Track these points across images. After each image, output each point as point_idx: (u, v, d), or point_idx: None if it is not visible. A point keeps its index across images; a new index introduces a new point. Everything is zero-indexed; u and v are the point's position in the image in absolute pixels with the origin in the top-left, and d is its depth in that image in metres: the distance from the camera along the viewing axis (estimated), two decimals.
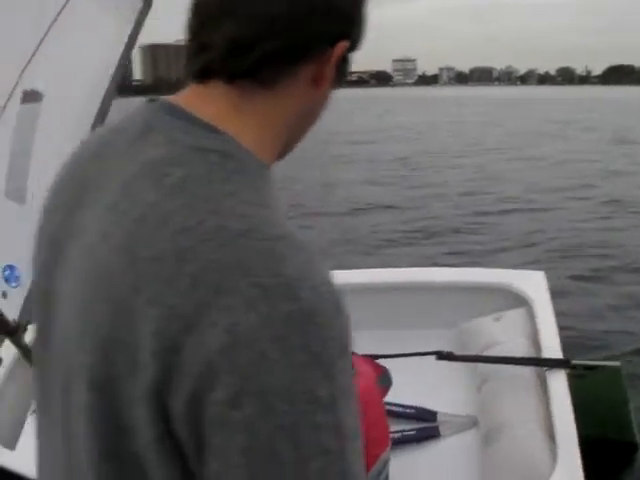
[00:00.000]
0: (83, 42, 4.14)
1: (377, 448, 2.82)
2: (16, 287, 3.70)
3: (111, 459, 0.81)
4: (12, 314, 3.62)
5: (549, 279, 4.19)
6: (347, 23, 0.91)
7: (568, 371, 3.26)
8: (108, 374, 0.80)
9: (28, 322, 3.74)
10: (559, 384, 3.22)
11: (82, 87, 4.18)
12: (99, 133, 1.03)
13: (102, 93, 4.23)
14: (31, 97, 3.99)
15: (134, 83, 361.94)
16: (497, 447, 3.16)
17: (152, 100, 0.96)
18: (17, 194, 3.83)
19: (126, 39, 4.41)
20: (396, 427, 3.45)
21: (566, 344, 3.64)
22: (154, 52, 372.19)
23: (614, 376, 3.63)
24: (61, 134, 4.17)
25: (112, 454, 0.81)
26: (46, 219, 1.02)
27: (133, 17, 4.48)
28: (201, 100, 0.91)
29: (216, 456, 0.74)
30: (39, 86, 3.94)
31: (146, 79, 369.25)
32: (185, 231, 0.78)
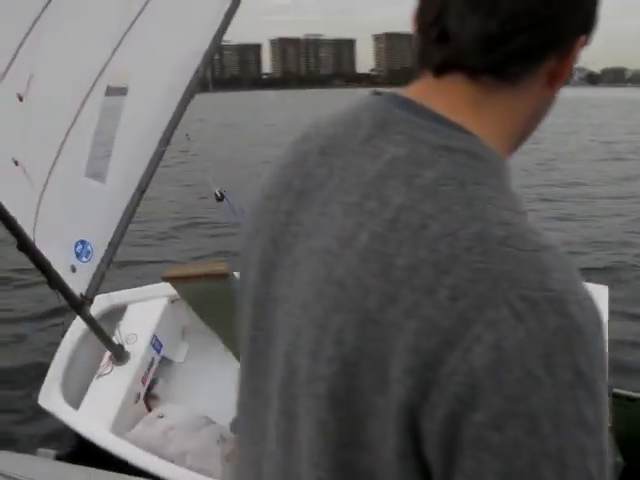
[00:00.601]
0: (176, 21, 4.25)
1: None
2: (86, 262, 3.87)
3: (341, 474, 0.77)
4: (80, 288, 3.79)
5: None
6: (590, 16, 0.85)
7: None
8: (349, 388, 0.75)
9: (93, 296, 3.94)
10: None
11: (166, 77, 4.29)
12: (320, 126, 0.91)
13: (185, 85, 4.37)
14: (116, 89, 4.16)
15: (263, 76, 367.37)
16: None
17: (377, 93, 0.88)
18: (99, 173, 4.02)
19: (215, 28, 4.54)
20: None
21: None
22: (283, 46, 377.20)
23: None
24: (148, 116, 4.34)
25: (343, 469, 0.77)
26: (261, 215, 0.91)
27: (223, 10, 4.61)
28: (437, 94, 0.84)
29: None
30: (126, 72, 4.10)
31: (275, 72, 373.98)
32: (445, 238, 0.72)
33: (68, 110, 3.81)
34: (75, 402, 4.04)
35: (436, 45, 0.82)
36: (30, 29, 3.55)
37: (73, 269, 3.75)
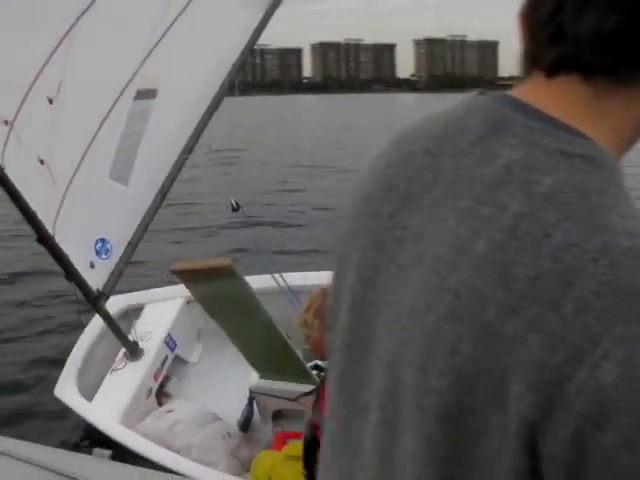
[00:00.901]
0: (206, 33, 4.43)
1: None
2: (105, 259, 4.06)
3: None
4: (97, 284, 3.97)
5: None
6: None
7: None
8: (461, 402, 0.72)
9: (110, 293, 4.12)
10: None
11: (194, 88, 4.47)
12: (425, 127, 0.87)
13: (212, 96, 4.55)
14: (146, 92, 4.36)
15: (304, 80, 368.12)
16: None
17: (482, 93, 0.86)
18: (122, 176, 4.21)
19: (248, 38, 4.73)
20: None
21: None
22: (324, 50, 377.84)
23: None
24: (174, 124, 4.53)
25: None
26: (360, 216, 0.87)
27: (260, 11, 4.79)
28: (549, 96, 0.80)
29: None
30: (155, 80, 4.30)
31: (315, 76, 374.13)
32: (569, 248, 0.69)
33: (96, 114, 4.01)
34: (89, 395, 4.21)
35: (549, 44, 0.80)
36: (64, 36, 3.78)
37: (92, 265, 3.94)
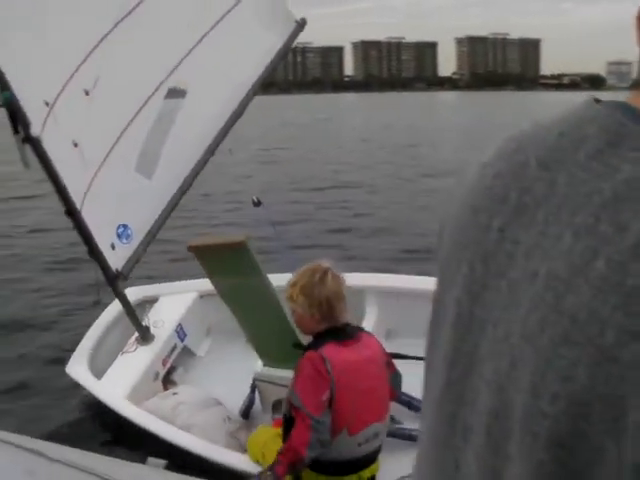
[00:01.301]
0: (234, 48, 4.79)
1: (370, 416, 3.12)
2: (126, 244, 4.32)
3: None
4: (116, 264, 4.23)
5: None
6: None
7: None
8: (575, 430, 0.70)
9: (128, 274, 4.37)
10: None
11: (225, 88, 4.77)
12: (538, 136, 0.83)
13: (242, 96, 4.87)
14: (175, 94, 4.69)
15: (345, 79, 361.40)
16: None
17: (597, 101, 0.81)
18: (146, 171, 4.50)
19: (271, 58, 5.09)
20: None
21: None
22: (366, 49, 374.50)
23: None
24: (201, 127, 4.84)
25: None
26: (466, 228, 0.84)
27: (284, 36, 5.16)
28: None
29: None
30: (184, 84, 4.64)
31: (357, 75, 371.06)
32: None
33: (127, 111, 4.34)
34: (99, 374, 4.42)
35: None
36: (106, 35, 4.14)
37: (113, 247, 4.21)
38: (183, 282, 5.06)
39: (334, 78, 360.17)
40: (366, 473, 3.20)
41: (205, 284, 4.71)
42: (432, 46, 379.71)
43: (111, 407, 4.10)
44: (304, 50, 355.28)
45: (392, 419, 3.69)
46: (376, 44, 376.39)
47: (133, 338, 4.57)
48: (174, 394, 4.32)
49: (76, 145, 3.96)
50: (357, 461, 3.14)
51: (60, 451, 2.56)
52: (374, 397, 3.10)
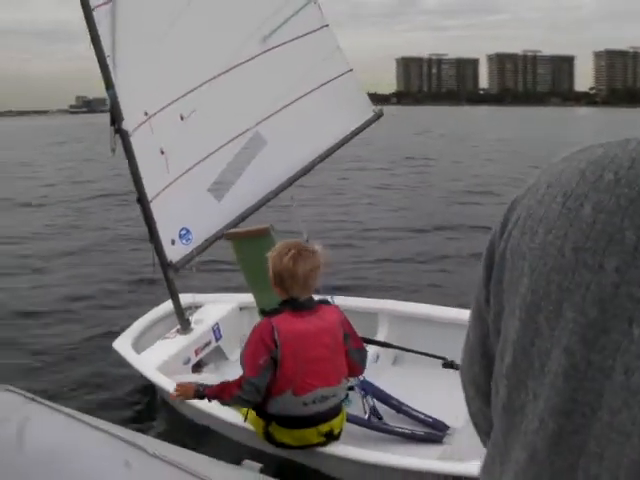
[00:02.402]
0: (317, 118, 5.68)
1: (317, 380, 3.61)
2: (184, 244, 5.20)
3: None
4: (171, 257, 5.10)
5: None
6: None
7: None
8: None
9: (180, 267, 5.20)
10: None
11: (298, 149, 5.63)
12: (615, 169, 0.75)
13: (311, 159, 5.72)
14: (257, 141, 5.66)
15: (480, 92, 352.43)
16: None
17: None
18: (218, 194, 5.43)
19: (344, 135, 6.00)
20: (410, 426, 4.29)
21: None
22: (501, 61, 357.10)
23: None
24: (271, 173, 5.75)
25: None
26: (571, 267, 0.76)
27: (361, 120, 6.06)
28: None
29: None
30: (267, 135, 5.61)
31: (491, 88, 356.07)
32: None
33: (212, 143, 5.35)
34: (140, 351, 5.18)
35: None
36: (210, 79, 5.22)
37: (172, 242, 5.11)
38: (228, 294, 5.85)
39: (468, 90, 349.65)
40: (324, 427, 3.71)
41: (246, 298, 5.49)
42: (569, 60, 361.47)
43: (143, 373, 4.81)
44: (439, 61, 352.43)
45: (378, 417, 4.25)
46: (512, 57, 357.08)
47: (175, 329, 5.34)
48: (199, 375, 4.99)
49: (162, 152, 4.97)
50: (310, 417, 3.69)
51: (159, 446, 2.56)
52: (323, 364, 3.63)
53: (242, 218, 5.47)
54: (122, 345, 5.22)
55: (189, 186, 5.19)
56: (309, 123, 5.78)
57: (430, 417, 4.35)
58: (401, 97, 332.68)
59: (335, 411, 3.77)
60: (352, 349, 3.79)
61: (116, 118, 4.74)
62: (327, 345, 3.65)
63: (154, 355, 5.05)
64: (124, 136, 4.75)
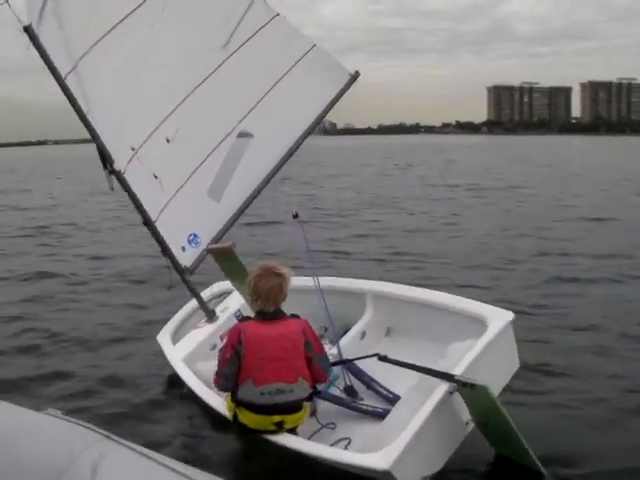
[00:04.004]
0: (293, 99, 6.16)
1: (273, 376, 4.36)
2: (194, 248, 5.96)
3: None
4: (185, 262, 5.87)
5: None
6: None
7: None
8: None
9: (194, 269, 5.99)
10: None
11: (284, 132, 6.19)
12: None
13: (294, 139, 6.25)
14: (244, 135, 6.22)
15: (572, 121, 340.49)
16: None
17: None
18: (216, 195, 6.10)
19: (324, 105, 6.45)
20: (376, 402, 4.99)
21: None
22: (594, 90, 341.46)
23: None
24: (262, 162, 6.34)
25: None
26: None
27: (339, 87, 6.48)
28: None
29: None
30: (251, 129, 6.16)
31: (584, 117, 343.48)
32: None
33: (201, 153, 5.96)
34: (176, 342, 6.05)
35: None
36: (186, 97, 5.80)
37: (183, 249, 5.87)
38: None
39: (560, 119, 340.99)
40: (276, 418, 4.45)
41: None
42: None
43: (171, 363, 5.70)
44: (531, 90, 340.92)
45: (356, 396, 5.01)
46: (605, 85, 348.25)
47: (204, 319, 6.18)
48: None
49: (156, 177, 5.67)
50: (267, 406, 4.45)
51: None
52: (280, 363, 4.40)
53: (241, 211, 6.14)
54: (163, 338, 6.13)
55: (188, 197, 5.87)
56: (287, 106, 6.25)
57: (392, 393, 4.99)
58: (492, 126, 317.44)
59: (291, 407, 4.47)
60: (316, 354, 4.53)
61: (107, 161, 5.44)
62: (285, 348, 4.41)
63: (186, 344, 5.87)
64: (118, 175, 5.46)
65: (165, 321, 6.57)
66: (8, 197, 27.79)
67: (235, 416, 4.63)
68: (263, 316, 4.53)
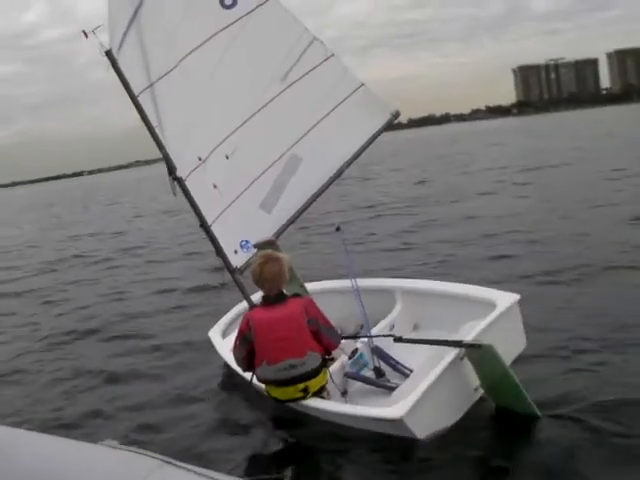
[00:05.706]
0: (340, 130, 6.94)
1: (284, 354, 5.00)
2: (245, 252, 6.69)
3: None
4: (236, 263, 6.60)
5: None
6: None
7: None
8: None
9: (244, 270, 6.70)
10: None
11: (329, 159, 6.94)
12: None
13: (339, 165, 7.01)
14: (294, 160, 7.02)
15: (602, 92, 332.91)
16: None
17: None
18: (268, 208, 6.86)
19: (365, 140, 7.24)
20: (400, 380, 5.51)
21: None
22: (621, 58, 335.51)
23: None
24: (309, 181, 7.09)
25: None
26: None
27: (380, 124, 7.28)
28: None
29: None
30: (301, 154, 6.96)
31: (614, 86, 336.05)
32: None
33: (256, 170, 6.79)
34: (225, 337, 6.76)
35: None
36: (245, 121, 6.67)
37: (235, 252, 6.62)
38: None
39: (590, 92, 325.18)
40: (301, 385, 5.09)
41: (314, 286, 6.96)
42: None
43: (219, 352, 6.38)
44: (557, 66, 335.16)
45: (383, 376, 5.56)
46: (633, 52, 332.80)
47: None
48: None
49: (215, 187, 6.49)
50: (285, 380, 5.12)
51: None
52: (288, 342, 5.04)
53: (290, 222, 6.89)
54: (213, 334, 6.84)
55: (242, 208, 6.66)
56: (335, 136, 7.06)
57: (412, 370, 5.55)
58: (522, 107, 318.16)
59: (310, 374, 5.08)
60: (322, 326, 5.16)
61: (171, 169, 6.29)
62: (290, 327, 5.05)
63: (232, 339, 6.56)
64: (180, 181, 6.30)
65: None
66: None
67: (268, 392, 5.30)
68: (267, 301, 5.18)
